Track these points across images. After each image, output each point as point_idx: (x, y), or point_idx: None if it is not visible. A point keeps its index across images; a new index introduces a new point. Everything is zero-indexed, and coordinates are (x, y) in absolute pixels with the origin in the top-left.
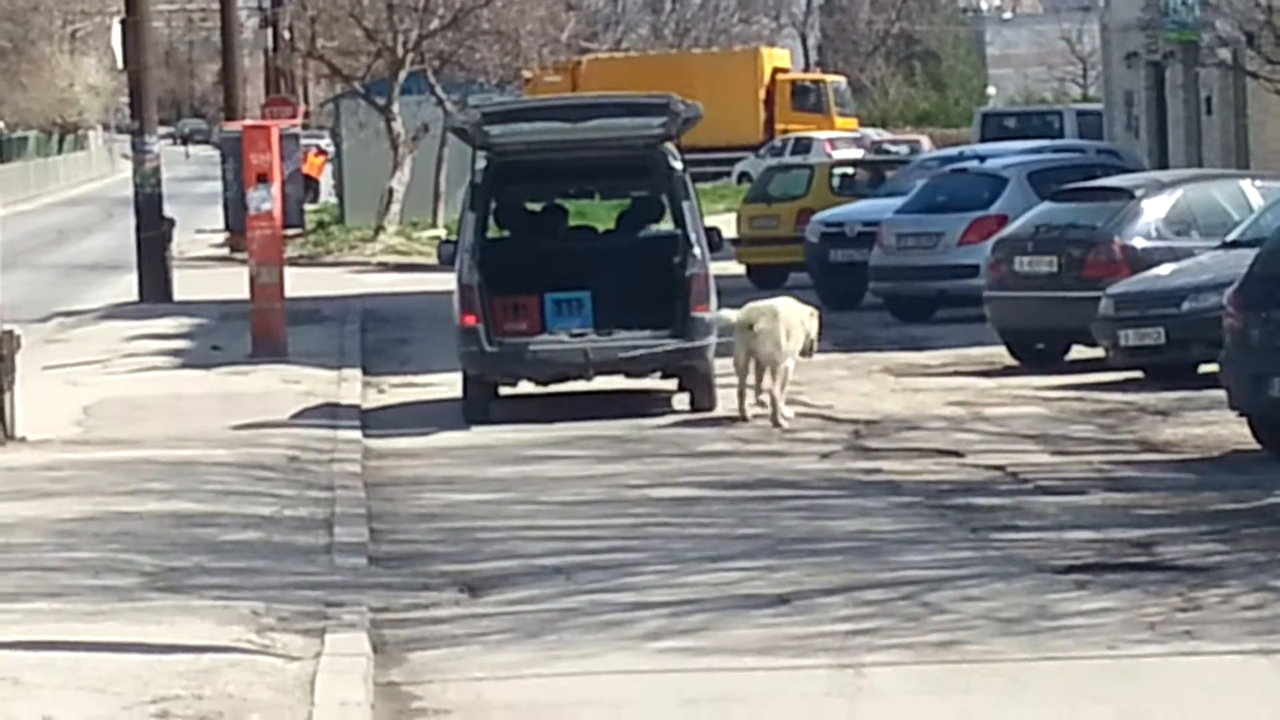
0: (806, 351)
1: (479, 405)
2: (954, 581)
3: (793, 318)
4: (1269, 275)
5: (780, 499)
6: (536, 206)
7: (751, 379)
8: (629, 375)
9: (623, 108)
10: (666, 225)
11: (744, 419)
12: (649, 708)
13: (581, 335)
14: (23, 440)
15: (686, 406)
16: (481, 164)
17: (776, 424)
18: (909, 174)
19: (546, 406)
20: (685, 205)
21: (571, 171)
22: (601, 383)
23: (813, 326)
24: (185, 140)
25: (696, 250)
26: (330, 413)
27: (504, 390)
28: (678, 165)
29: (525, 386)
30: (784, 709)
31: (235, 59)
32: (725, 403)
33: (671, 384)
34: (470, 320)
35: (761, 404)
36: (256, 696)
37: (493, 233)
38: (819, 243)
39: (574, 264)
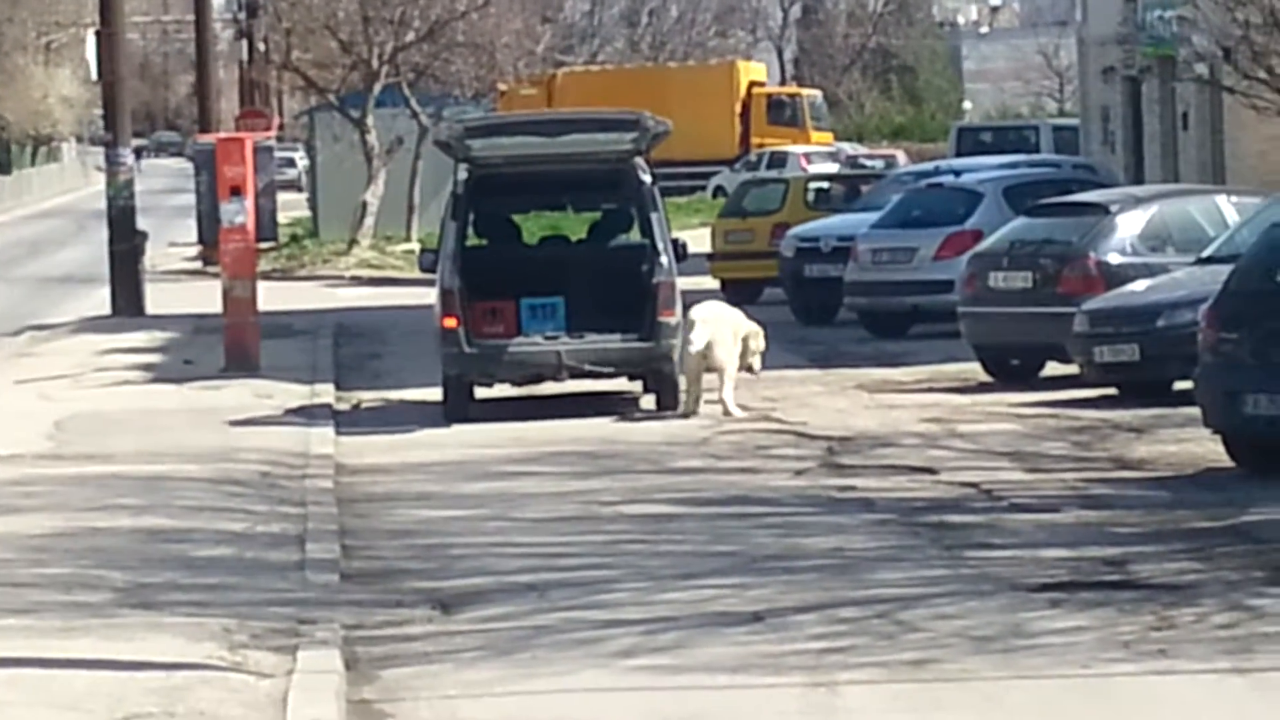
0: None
1: (459, 404)
2: (928, 599)
3: (736, 321)
4: (1244, 291)
5: (754, 516)
6: (514, 216)
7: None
8: (599, 376)
9: (596, 123)
10: (635, 235)
11: (695, 414)
12: None
13: (555, 338)
14: None
15: (653, 406)
16: (463, 175)
17: (728, 414)
18: (884, 189)
19: (520, 408)
20: (654, 216)
21: (547, 184)
22: (572, 385)
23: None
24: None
25: (663, 259)
26: (305, 425)
27: (480, 393)
28: (647, 179)
29: (501, 389)
30: None
31: (210, 71)
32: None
33: (637, 385)
34: (451, 323)
35: (710, 402)
36: (228, 714)
37: (472, 241)
38: (794, 258)
39: (548, 271)
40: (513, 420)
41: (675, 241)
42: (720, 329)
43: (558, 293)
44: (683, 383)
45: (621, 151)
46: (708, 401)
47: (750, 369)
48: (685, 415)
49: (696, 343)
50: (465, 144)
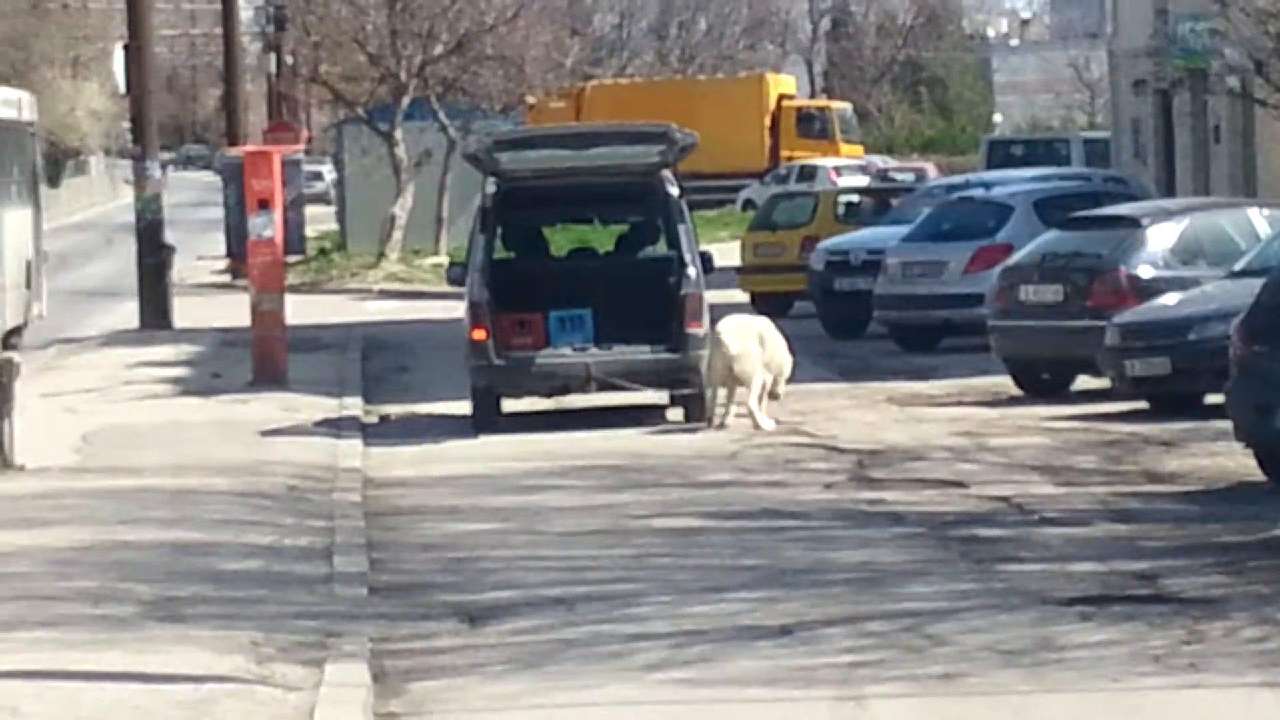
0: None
1: (487, 416)
2: (957, 613)
3: (765, 333)
4: (1276, 305)
5: (783, 530)
6: (542, 229)
7: (724, 393)
8: (627, 388)
9: (624, 136)
10: (663, 248)
11: (722, 426)
12: None
13: (583, 350)
14: (21, 468)
15: (680, 418)
16: (491, 189)
17: (758, 427)
18: (914, 202)
19: (548, 421)
20: (681, 228)
21: (575, 196)
22: (600, 397)
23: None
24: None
25: (691, 271)
26: (333, 438)
27: (508, 405)
28: (674, 191)
29: (529, 401)
30: None
31: (238, 84)
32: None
33: (665, 397)
34: (480, 335)
35: (740, 415)
36: None
37: (501, 253)
38: (823, 271)
39: (576, 283)
40: (541, 432)
41: (702, 254)
42: (747, 341)
43: (586, 305)
44: (711, 394)
45: (649, 164)
46: (737, 415)
47: (775, 395)
48: (714, 427)
49: (728, 342)
50: (494, 157)
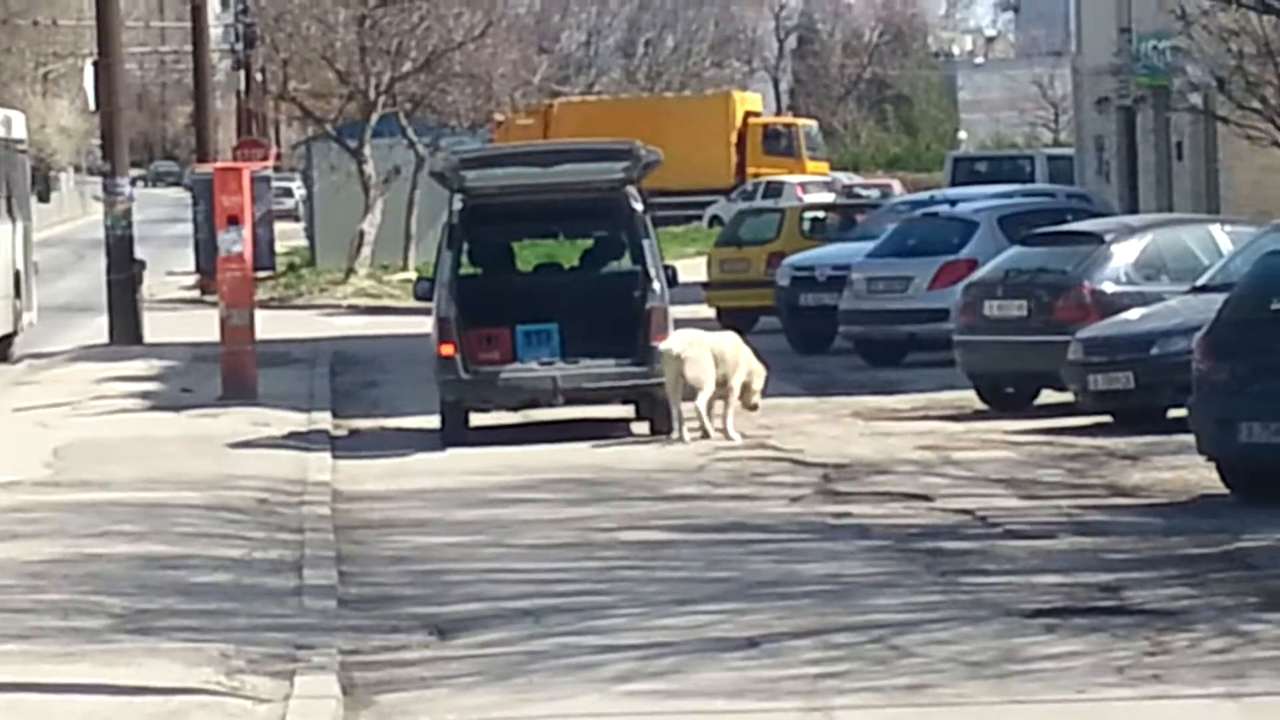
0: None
1: (455, 430)
2: (923, 625)
3: (718, 346)
4: (1238, 320)
5: (750, 542)
6: (508, 245)
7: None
8: (593, 401)
9: (588, 153)
10: (627, 262)
11: (680, 437)
12: None
13: (550, 364)
14: None
15: (646, 431)
16: (458, 206)
17: (706, 435)
18: (880, 218)
19: (515, 434)
20: (645, 244)
21: (541, 213)
22: (565, 411)
23: (744, 360)
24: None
25: (656, 285)
26: (302, 452)
27: (476, 419)
28: (638, 206)
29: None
30: None
31: (207, 101)
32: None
33: (631, 410)
34: (448, 350)
35: (692, 429)
36: None
37: (468, 269)
38: (789, 286)
39: (543, 298)
40: (508, 445)
41: (666, 268)
42: (694, 350)
43: (552, 319)
44: (674, 408)
45: (613, 180)
46: (716, 430)
47: (753, 407)
48: (675, 439)
49: (674, 346)
50: (460, 175)
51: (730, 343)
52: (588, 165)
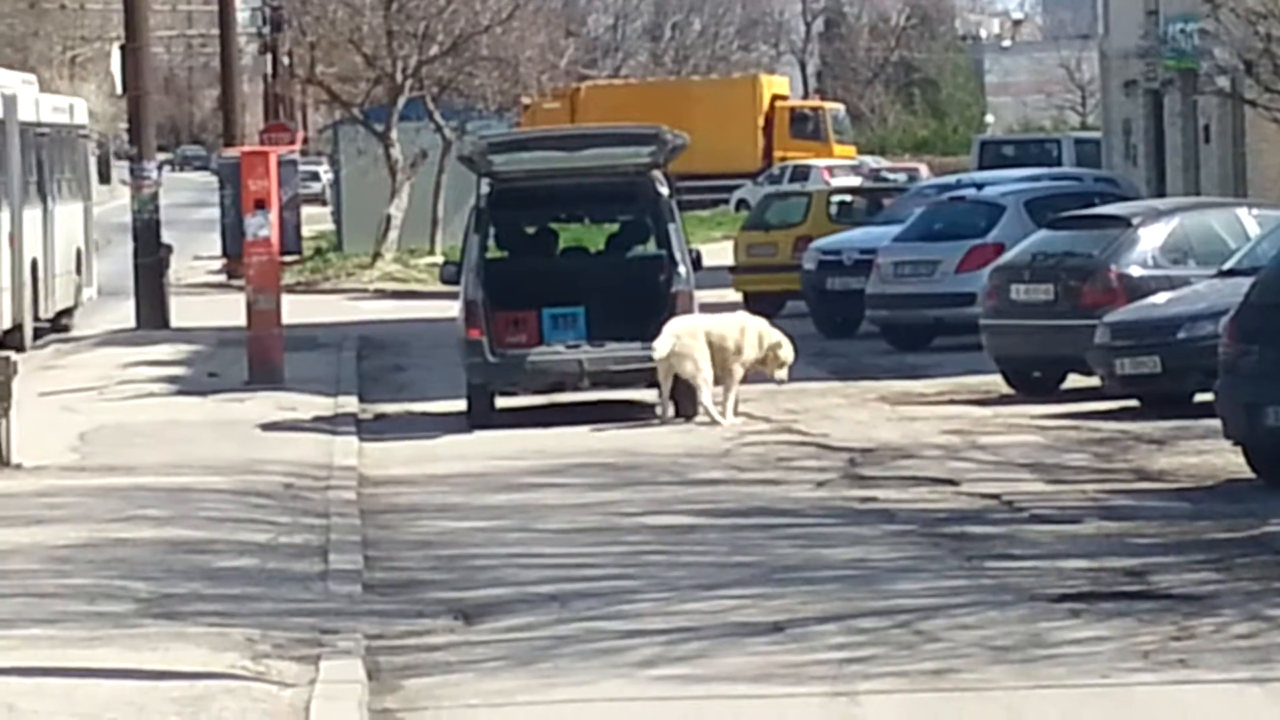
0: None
1: (481, 413)
2: (948, 610)
3: (724, 330)
4: (1265, 304)
5: (775, 527)
6: (535, 229)
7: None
8: (619, 385)
9: (615, 138)
10: (653, 246)
11: (668, 420)
12: None
13: (576, 347)
14: (19, 467)
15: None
16: (485, 190)
17: (715, 422)
18: (906, 202)
19: (541, 416)
20: (671, 228)
21: (568, 196)
22: (592, 394)
23: (750, 339)
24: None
25: (681, 269)
26: (328, 437)
27: (502, 401)
28: (664, 190)
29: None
30: None
31: (234, 85)
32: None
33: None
34: (475, 333)
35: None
36: None
37: (495, 253)
38: (816, 270)
39: (569, 282)
40: (534, 428)
41: (691, 252)
42: (690, 341)
43: (579, 303)
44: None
45: (640, 165)
46: (741, 412)
47: (779, 381)
48: (661, 421)
49: (659, 349)
50: (487, 159)
51: (735, 325)
52: (615, 149)
